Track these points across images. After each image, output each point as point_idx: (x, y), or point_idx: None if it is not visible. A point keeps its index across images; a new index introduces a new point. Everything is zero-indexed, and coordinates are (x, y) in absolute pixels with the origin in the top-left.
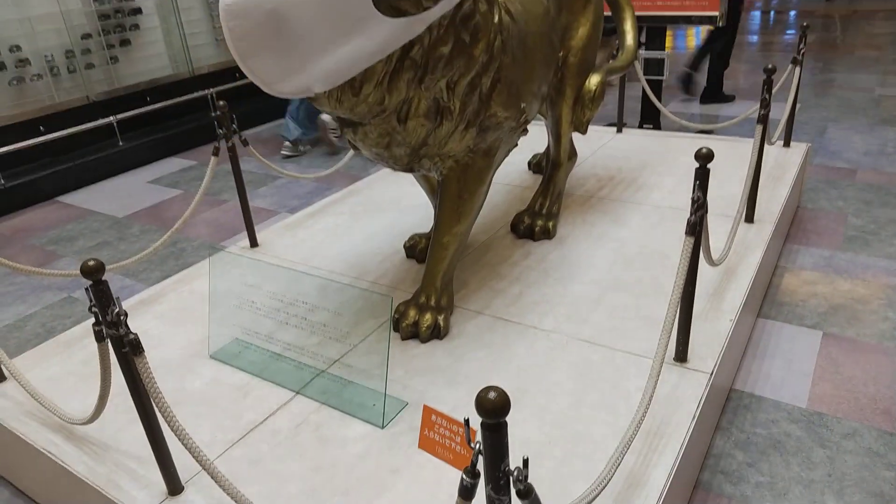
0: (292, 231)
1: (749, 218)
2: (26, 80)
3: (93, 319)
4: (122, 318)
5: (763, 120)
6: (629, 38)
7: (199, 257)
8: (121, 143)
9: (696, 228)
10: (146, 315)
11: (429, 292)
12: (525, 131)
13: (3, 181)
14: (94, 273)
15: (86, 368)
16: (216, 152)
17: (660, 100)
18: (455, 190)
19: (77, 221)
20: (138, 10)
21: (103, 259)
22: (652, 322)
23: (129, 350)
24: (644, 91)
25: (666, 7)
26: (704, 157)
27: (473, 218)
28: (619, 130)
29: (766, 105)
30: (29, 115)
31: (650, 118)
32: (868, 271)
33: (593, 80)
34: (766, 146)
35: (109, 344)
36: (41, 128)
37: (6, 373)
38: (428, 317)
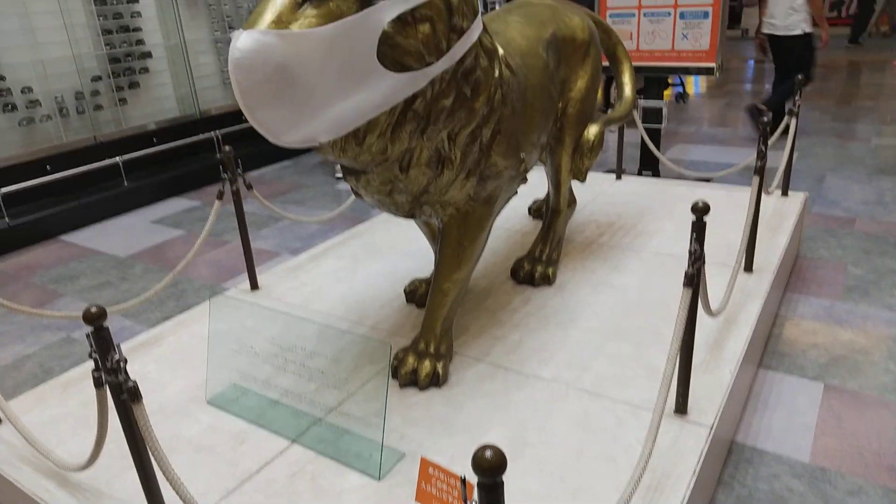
0: (294, 274)
1: (748, 267)
2: (36, 121)
3: (92, 363)
4: (121, 364)
5: (760, 171)
6: (627, 90)
7: (199, 299)
8: (126, 183)
9: (694, 280)
10: (145, 358)
11: (428, 339)
12: (524, 180)
13: (7, 219)
14: (96, 319)
15: (83, 411)
16: (220, 196)
17: (658, 147)
18: (455, 237)
19: (80, 260)
20: (148, 54)
21: (104, 299)
22: (652, 371)
23: (127, 397)
24: (643, 138)
25: (664, 58)
26: (701, 210)
27: (473, 265)
28: (619, 177)
29: (762, 156)
30: (36, 154)
31: (649, 165)
32: (868, 322)
33: (592, 131)
34: (764, 195)
35: (108, 390)
36: (47, 167)
37: (2, 415)
38: (427, 364)
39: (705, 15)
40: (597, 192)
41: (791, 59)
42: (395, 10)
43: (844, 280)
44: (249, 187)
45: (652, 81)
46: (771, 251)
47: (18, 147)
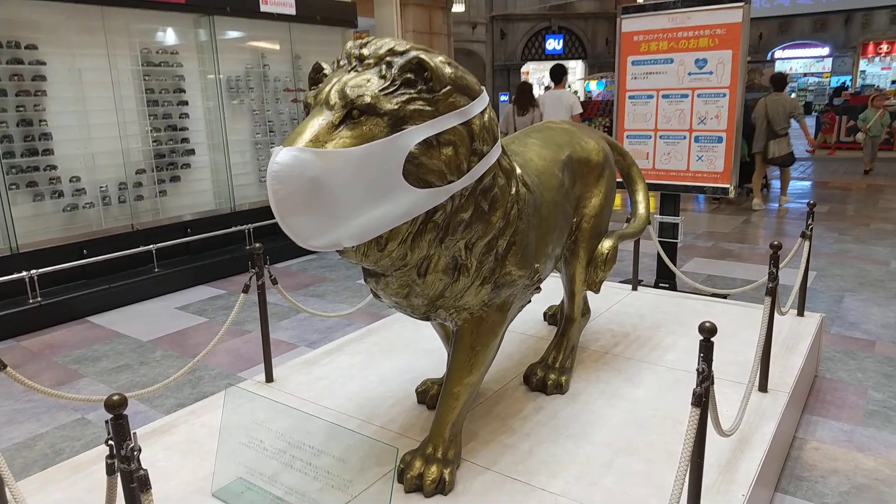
0: (308, 368)
1: (763, 387)
2: (79, 207)
3: (106, 450)
4: (135, 453)
5: (771, 293)
6: (641, 208)
7: (215, 387)
8: (156, 270)
9: (702, 400)
10: (155, 446)
11: (436, 443)
12: (538, 289)
13: (40, 298)
14: (116, 408)
15: (89, 497)
16: (246, 290)
17: (675, 261)
18: (468, 341)
19: (104, 342)
20: (192, 151)
21: (122, 382)
22: (663, 491)
23: (136, 486)
24: (659, 253)
25: (680, 178)
26: (708, 331)
27: (485, 370)
28: (635, 288)
29: (773, 279)
30: (75, 238)
31: (666, 278)
32: (892, 450)
33: (606, 245)
34: (779, 315)
35: (118, 478)
36: (84, 251)
37: (9, 497)
38: (434, 470)
39: (719, 139)
40: (612, 302)
41: None
42: (421, 135)
43: (865, 404)
44: (274, 282)
45: (668, 198)
46: (786, 371)
47: (59, 231)
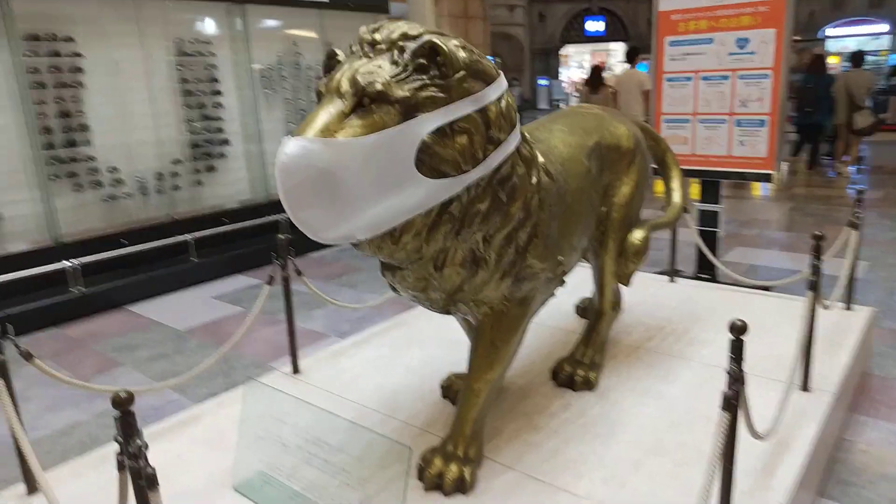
0: (335, 359)
1: (805, 386)
2: (118, 198)
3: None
4: (143, 450)
5: (814, 287)
6: (676, 196)
7: (246, 377)
8: (193, 259)
9: (732, 403)
10: (181, 437)
11: (457, 441)
12: (562, 282)
13: (81, 288)
14: (123, 404)
15: (115, 488)
16: (270, 281)
17: (715, 251)
18: (489, 337)
19: (141, 331)
20: (226, 142)
21: (157, 370)
22: (693, 494)
23: (144, 484)
24: (698, 243)
25: (721, 163)
26: (739, 330)
27: (506, 366)
28: (672, 279)
29: (816, 272)
30: (114, 228)
31: (706, 268)
32: None
33: (637, 235)
34: (825, 310)
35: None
36: (123, 241)
37: (38, 485)
38: (454, 468)
39: (762, 123)
40: (648, 294)
41: None
42: (434, 123)
43: None
44: (299, 273)
45: (708, 185)
46: (831, 369)
47: (99, 222)
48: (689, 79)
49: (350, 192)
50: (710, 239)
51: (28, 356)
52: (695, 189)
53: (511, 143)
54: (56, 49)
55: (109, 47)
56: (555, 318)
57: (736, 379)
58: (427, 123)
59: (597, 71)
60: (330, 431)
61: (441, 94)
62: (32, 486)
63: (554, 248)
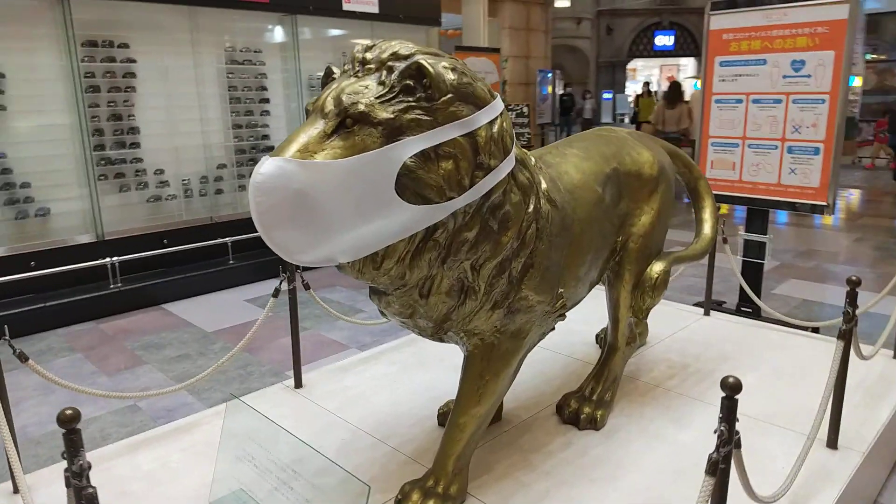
0: (340, 375)
1: (832, 443)
2: (162, 199)
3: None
4: (85, 470)
5: (845, 336)
6: (707, 228)
7: (262, 383)
8: (231, 262)
9: (718, 468)
10: (173, 445)
11: (438, 476)
12: (563, 316)
13: (120, 284)
14: (69, 422)
15: (102, 492)
16: (276, 294)
17: (759, 284)
18: (478, 369)
19: (171, 330)
20: (271, 148)
21: (178, 371)
22: None
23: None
24: (742, 276)
25: (769, 192)
26: (731, 388)
27: (495, 402)
28: (707, 313)
29: (849, 320)
30: (157, 228)
31: (750, 302)
32: None
33: (656, 268)
34: (868, 358)
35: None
36: (164, 241)
37: (21, 487)
38: None
39: (816, 151)
40: (678, 327)
41: None
42: (416, 147)
43: None
44: (307, 287)
45: (755, 214)
46: (866, 425)
47: (142, 221)
48: (739, 101)
49: (327, 215)
50: (755, 271)
51: (23, 358)
52: (724, 208)
53: (503, 170)
54: (111, 55)
55: (162, 53)
56: (572, 347)
57: (725, 442)
58: (409, 147)
59: (675, 86)
60: (298, 459)
61: (426, 117)
62: (16, 486)
63: (553, 279)
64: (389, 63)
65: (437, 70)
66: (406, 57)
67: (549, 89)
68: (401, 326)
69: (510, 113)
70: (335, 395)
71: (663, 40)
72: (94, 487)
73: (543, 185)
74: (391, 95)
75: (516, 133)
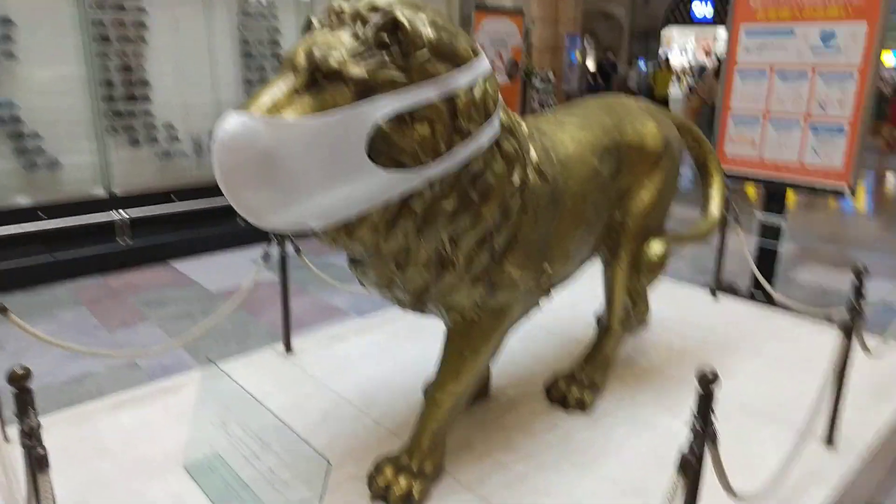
0: (331, 343)
1: (830, 439)
2: (172, 155)
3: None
4: (36, 430)
5: (846, 328)
6: (713, 207)
7: (258, 343)
8: (240, 222)
9: (690, 467)
10: (156, 404)
11: (412, 452)
12: (548, 294)
13: (128, 240)
14: (20, 380)
15: (79, 446)
16: (266, 258)
17: (773, 268)
18: (457, 345)
19: (176, 288)
20: None
21: (178, 329)
22: None
23: (34, 464)
24: (755, 259)
25: (789, 171)
26: (707, 381)
27: (473, 379)
28: (714, 295)
29: (855, 313)
30: (167, 186)
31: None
32: None
33: (654, 248)
34: (882, 350)
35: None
36: (172, 196)
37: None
38: (402, 482)
39: (840, 130)
40: (683, 311)
41: None
42: (389, 106)
43: None
44: (297, 251)
45: (774, 193)
46: (868, 423)
47: (152, 177)
48: (763, 73)
49: (294, 177)
50: (771, 254)
51: (3, 310)
52: (750, 190)
53: (484, 137)
54: (121, 3)
55: (174, 4)
56: (573, 326)
57: (698, 436)
58: (381, 107)
59: None
60: (268, 429)
61: (400, 75)
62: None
63: (538, 255)
64: (364, 15)
65: (413, 24)
66: (380, 9)
67: (578, 55)
68: (381, 297)
69: (534, 78)
70: (321, 362)
71: (701, 9)
72: (45, 448)
73: (533, 155)
74: (365, 50)
75: (541, 101)
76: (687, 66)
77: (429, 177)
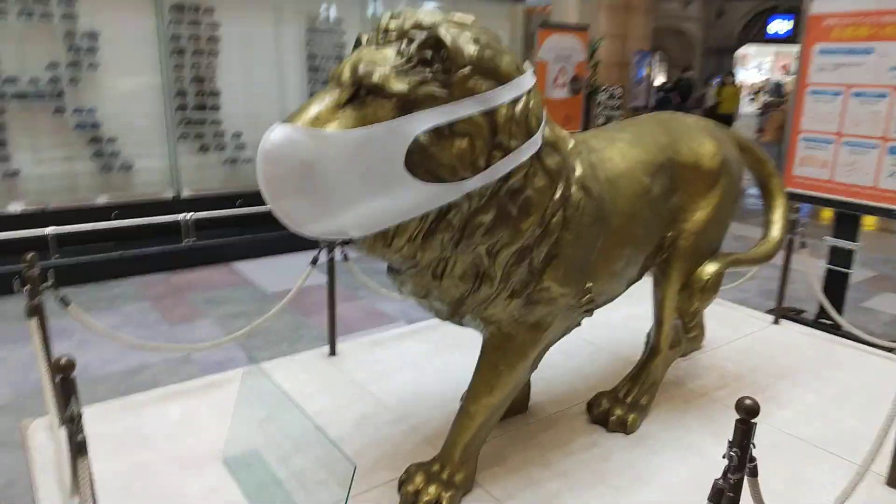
0: (374, 349)
1: (893, 482)
2: (238, 161)
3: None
4: (77, 417)
5: None
6: (775, 230)
7: (308, 347)
8: None
9: (722, 496)
10: (203, 400)
11: (444, 462)
12: (590, 312)
13: (193, 240)
14: (64, 370)
15: (126, 435)
16: (314, 262)
17: (843, 295)
18: (493, 358)
19: (234, 288)
20: None
21: (233, 328)
22: None
23: (74, 449)
24: (829, 279)
25: (863, 195)
26: (747, 411)
27: (509, 393)
28: (776, 321)
29: None
30: (231, 190)
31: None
32: None
33: (708, 269)
34: None
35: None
36: (239, 200)
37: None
38: (432, 490)
39: None
40: (740, 334)
41: None
42: (428, 122)
43: None
44: (345, 258)
45: (846, 218)
46: None
47: (220, 182)
48: (837, 93)
49: (334, 187)
50: (841, 280)
51: (65, 303)
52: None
53: (525, 152)
54: (197, 19)
55: (246, 20)
56: (621, 344)
57: (735, 469)
58: (421, 121)
59: None
60: (300, 429)
61: (442, 91)
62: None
63: (580, 272)
64: (410, 32)
65: (455, 41)
66: (426, 27)
67: (647, 71)
68: (420, 306)
69: (602, 94)
70: (363, 367)
71: (778, 26)
72: (84, 435)
73: (578, 172)
74: (408, 66)
75: (607, 116)
76: (761, 83)
77: (467, 190)
